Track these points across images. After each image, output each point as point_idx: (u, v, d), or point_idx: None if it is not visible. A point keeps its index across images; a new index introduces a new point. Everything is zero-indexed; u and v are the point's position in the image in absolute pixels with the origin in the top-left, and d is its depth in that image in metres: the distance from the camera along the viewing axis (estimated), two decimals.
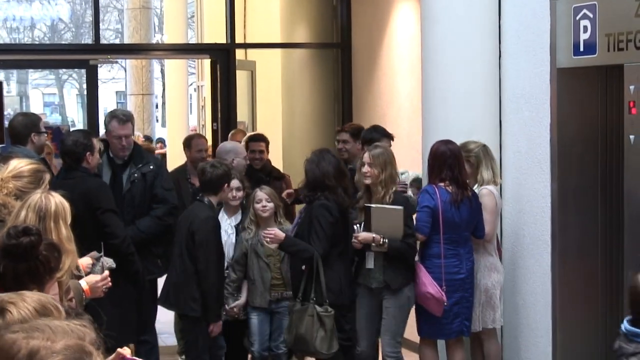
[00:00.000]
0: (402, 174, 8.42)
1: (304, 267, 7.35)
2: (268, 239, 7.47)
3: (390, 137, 8.48)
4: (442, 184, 7.16)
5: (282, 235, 7.38)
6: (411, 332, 7.87)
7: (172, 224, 7.92)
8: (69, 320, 2.27)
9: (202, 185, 7.67)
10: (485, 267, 7.34)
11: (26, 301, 2.69)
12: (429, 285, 7.10)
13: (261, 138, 9.61)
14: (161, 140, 22.39)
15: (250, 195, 7.85)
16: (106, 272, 5.53)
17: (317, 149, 7.88)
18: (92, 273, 5.67)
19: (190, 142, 9.44)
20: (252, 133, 10.51)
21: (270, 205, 7.71)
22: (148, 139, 22.06)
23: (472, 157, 7.35)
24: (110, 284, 5.47)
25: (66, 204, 4.71)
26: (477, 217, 7.23)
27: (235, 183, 7.77)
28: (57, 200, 4.68)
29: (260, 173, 9.22)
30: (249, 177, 8.94)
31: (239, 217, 7.95)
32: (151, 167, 8.01)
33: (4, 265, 3.88)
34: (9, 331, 2.19)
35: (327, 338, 7.29)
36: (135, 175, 7.93)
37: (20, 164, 5.41)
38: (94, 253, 5.95)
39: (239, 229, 7.88)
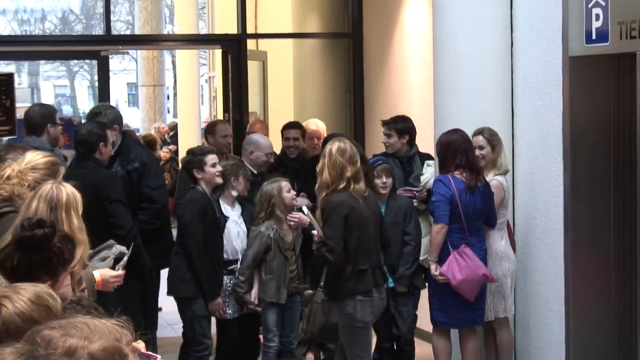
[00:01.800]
0: (428, 165, 8.24)
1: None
2: (292, 223, 7.51)
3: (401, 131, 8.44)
4: (456, 173, 7.14)
5: (307, 219, 7.35)
6: (424, 322, 7.87)
7: (163, 225, 7.84)
8: (108, 320, 2.25)
9: None
10: (496, 256, 7.33)
11: (20, 293, 2.68)
12: (481, 267, 7.09)
13: (294, 125, 9.32)
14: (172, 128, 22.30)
15: (265, 187, 7.76)
16: (122, 271, 5.53)
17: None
18: (104, 259, 5.70)
19: (215, 128, 9.34)
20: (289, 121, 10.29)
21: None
22: (174, 128, 21.96)
23: (495, 141, 7.35)
24: (122, 282, 5.49)
25: (77, 195, 4.72)
26: (490, 206, 7.22)
27: (212, 158, 7.63)
28: (68, 191, 4.68)
29: (296, 162, 9.02)
30: (284, 166, 8.86)
31: (238, 207, 7.91)
32: (136, 164, 7.87)
33: (18, 257, 3.89)
34: (46, 327, 2.17)
35: None
36: (120, 173, 7.80)
37: (36, 157, 5.43)
38: (111, 241, 5.97)
39: (245, 218, 7.86)
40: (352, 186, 6.85)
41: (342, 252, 6.81)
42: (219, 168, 7.60)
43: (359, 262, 6.87)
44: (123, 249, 5.98)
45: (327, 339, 7.63)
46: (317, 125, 9.42)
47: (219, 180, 7.63)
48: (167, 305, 9.10)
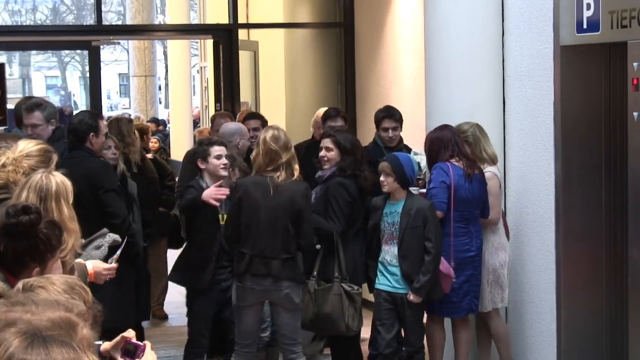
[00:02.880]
0: (415, 153, 8.09)
1: (318, 245, 7.31)
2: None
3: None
4: (453, 161, 7.14)
5: None
6: None
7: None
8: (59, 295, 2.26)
9: None
10: (492, 247, 7.33)
11: (55, 284, 2.69)
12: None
13: (254, 116, 9.38)
14: (161, 122, 22.27)
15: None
16: (115, 264, 5.53)
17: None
18: (99, 247, 5.70)
19: (214, 122, 9.41)
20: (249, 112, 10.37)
21: None
22: (155, 120, 21.95)
23: (469, 137, 7.32)
24: (114, 275, 5.49)
25: (68, 183, 4.71)
26: (486, 196, 7.22)
27: (219, 149, 7.44)
28: (58, 180, 4.68)
29: None
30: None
31: None
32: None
33: (4, 244, 3.88)
34: None
35: (357, 315, 7.28)
36: None
37: (29, 145, 5.46)
38: (105, 230, 5.97)
39: None
40: (280, 172, 6.94)
41: (234, 232, 7.04)
42: (224, 161, 7.36)
43: (241, 246, 7.00)
44: (116, 237, 5.98)
45: (319, 329, 7.59)
46: None
47: (224, 172, 7.37)
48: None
